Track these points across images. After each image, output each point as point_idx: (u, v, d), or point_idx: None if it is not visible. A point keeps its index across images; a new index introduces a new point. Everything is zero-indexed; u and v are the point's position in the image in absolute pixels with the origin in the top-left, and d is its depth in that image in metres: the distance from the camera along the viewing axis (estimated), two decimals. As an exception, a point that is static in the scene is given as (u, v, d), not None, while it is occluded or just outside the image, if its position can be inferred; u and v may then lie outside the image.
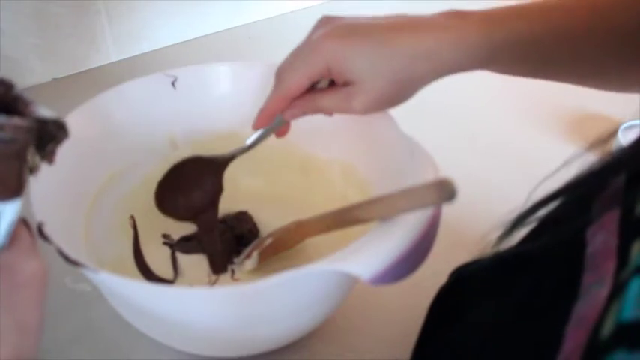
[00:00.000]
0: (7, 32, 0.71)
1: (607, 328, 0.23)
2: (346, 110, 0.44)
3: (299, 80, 0.44)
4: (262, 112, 0.47)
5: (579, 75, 0.44)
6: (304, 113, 0.46)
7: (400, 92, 0.43)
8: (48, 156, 0.30)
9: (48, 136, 0.29)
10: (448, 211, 0.38)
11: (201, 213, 0.52)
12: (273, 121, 0.47)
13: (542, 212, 0.32)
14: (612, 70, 0.42)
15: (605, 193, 0.30)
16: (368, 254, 0.35)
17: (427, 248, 0.38)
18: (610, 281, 0.25)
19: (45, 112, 0.28)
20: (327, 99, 0.44)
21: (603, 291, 0.25)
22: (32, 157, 0.29)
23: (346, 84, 0.43)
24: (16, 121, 0.27)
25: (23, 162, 0.28)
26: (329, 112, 0.46)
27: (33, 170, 0.30)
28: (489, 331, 0.34)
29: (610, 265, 0.26)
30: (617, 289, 0.24)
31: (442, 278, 0.45)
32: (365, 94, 0.42)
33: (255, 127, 0.48)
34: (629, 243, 0.25)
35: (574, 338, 0.25)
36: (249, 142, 0.49)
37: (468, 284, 0.41)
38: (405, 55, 0.40)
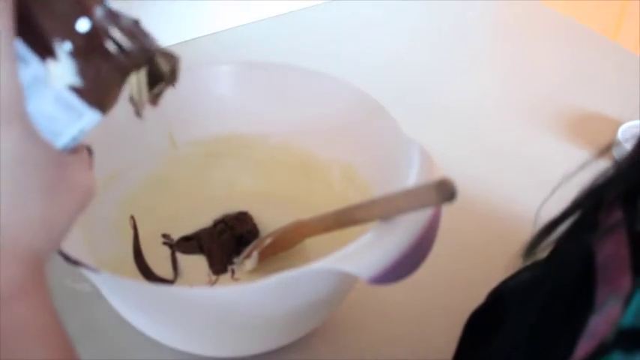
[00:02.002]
0: (7, 32, 0.71)
1: (610, 335, 0.24)
2: None
3: None
4: None
5: None
6: None
7: None
8: (154, 97, 0.30)
9: (159, 75, 0.29)
10: (448, 210, 0.38)
11: None
12: None
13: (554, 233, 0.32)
14: None
15: (608, 202, 0.30)
16: (368, 254, 0.35)
17: (427, 248, 0.38)
18: (624, 298, 0.25)
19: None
20: None
21: (617, 307, 0.25)
22: (140, 92, 0.29)
23: None
24: (143, 39, 0.28)
25: (123, 80, 0.28)
26: None
27: (138, 107, 0.30)
28: (520, 344, 0.34)
29: (625, 281, 0.26)
30: (627, 301, 0.24)
31: (442, 278, 0.45)
32: None
33: None
34: None
35: (584, 349, 0.26)
36: None
37: (506, 302, 0.41)
38: None
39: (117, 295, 0.41)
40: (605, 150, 0.33)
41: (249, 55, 0.81)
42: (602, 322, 0.26)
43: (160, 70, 0.30)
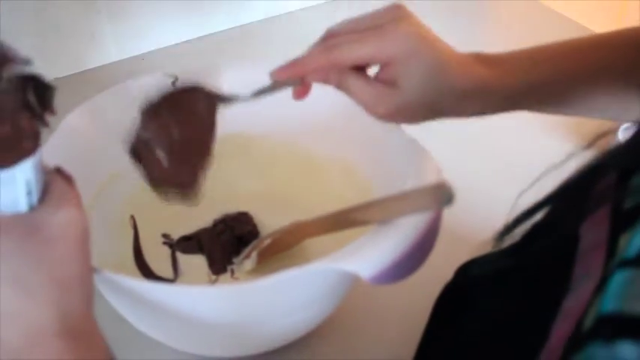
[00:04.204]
0: (7, 32, 0.71)
1: (589, 321, 0.23)
2: (367, 106, 0.40)
3: (360, 57, 0.38)
4: (294, 64, 0.41)
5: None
6: (326, 82, 0.41)
7: (425, 118, 0.40)
8: (46, 113, 0.29)
9: (39, 93, 0.29)
10: (449, 211, 0.38)
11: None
12: (297, 77, 0.41)
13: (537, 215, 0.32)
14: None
15: (599, 189, 0.30)
16: (369, 253, 0.35)
17: (428, 248, 0.38)
18: (597, 274, 0.25)
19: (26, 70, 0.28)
20: (360, 85, 0.39)
21: (590, 284, 0.25)
22: (30, 121, 0.29)
23: (385, 80, 0.39)
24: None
25: (14, 126, 0.28)
26: (351, 95, 0.41)
27: (35, 136, 0.29)
28: (494, 327, 0.34)
29: (599, 258, 0.26)
30: (603, 282, 0.24)
31: (443, 278, 0.45)
32: (397, 103, 0.39)
33: (276, 77, 0.41)
34: (618, 235, 0.25)
35: (559, 332, 0.26)
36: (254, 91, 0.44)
37: (474, 282, 0.41)
38: (459, 89, 0.39)
39: (117, 295, 0.41)
40: (598, 144, 0.32)
41: (249, 55, 0.81)
42: (574, 301, 0.26)
43: (38, 92, 0.29)
